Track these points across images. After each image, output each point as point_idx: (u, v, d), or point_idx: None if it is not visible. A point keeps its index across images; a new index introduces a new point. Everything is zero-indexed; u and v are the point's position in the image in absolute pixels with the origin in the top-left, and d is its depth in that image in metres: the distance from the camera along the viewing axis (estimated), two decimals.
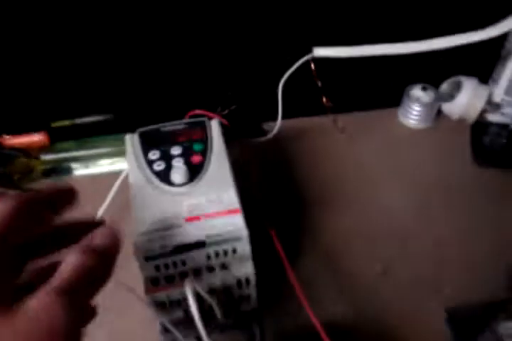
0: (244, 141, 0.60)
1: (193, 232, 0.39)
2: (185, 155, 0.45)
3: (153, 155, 0.45)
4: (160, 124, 0.48)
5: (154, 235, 0.38)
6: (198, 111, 0.58)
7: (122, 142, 0.47)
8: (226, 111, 0.62)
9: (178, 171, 0.43)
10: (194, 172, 0.43)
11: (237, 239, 0.39)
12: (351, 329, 0.47)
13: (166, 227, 0.39)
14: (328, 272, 0.52)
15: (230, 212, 0.40)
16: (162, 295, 0.41)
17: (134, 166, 0.44)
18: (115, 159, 0.63)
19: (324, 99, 0.61)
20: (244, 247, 0.40)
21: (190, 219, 0.39)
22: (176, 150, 0.45)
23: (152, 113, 0.62)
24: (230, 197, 0.41)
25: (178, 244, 0.38)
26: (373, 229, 0.56)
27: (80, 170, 0.63)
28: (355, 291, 0.51)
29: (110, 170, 0.62)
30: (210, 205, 0.41)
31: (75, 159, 0.63)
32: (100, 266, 0.26)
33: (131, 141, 0.47)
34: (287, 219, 0.56)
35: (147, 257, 0.38)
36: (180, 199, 0.41)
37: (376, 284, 0.51)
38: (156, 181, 0.43)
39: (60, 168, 0.63)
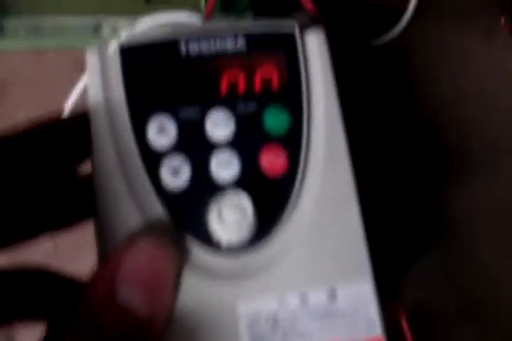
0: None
1: None
2: (245, 146, 0.22)
3: (160, 135, 0.21)
4: (171, 33, 0.23)
5: None
6: None
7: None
8: None
9: (230, 209, 0.20)
10: (270, 205, 0.21)
11: None
12: None
13: None
14: None
15: None
16: None
17: (104, 157, 0.21)
18: None
19: None
20: None
21: None
22: (218, 127, 0.22)
23: None
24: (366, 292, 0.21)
25: None
26: None
27: None
28: None
29: None
30: (319, 319, 0.20)
31: None
32: None
33: (99, 73, 0.22)
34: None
35: None
36: (229, 291, 0.20)
37: None
38: (161, 209, 0.21)
39: None
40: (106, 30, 0.42)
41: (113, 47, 0.23)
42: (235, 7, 0.40)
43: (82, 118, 0.22)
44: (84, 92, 0.40)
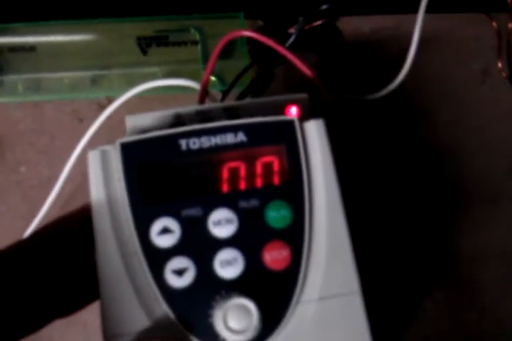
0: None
1: None
2: (248, 243, 0.22)
3: (163, 235, 0.22)
4: (170, 130, 0.23)
5: None
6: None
7: None
8: None
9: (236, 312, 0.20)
10: (274, 301, 0.22)
11: None
12: None
13: None
14: None
15: None
16: None
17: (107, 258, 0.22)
18: None
19: None
20: None
21: None
22: (220, 226, 0.22)
23: None
24: None
25: None
26: None
27: None
28: None
29: None
30: None
31: None
32: None
33: (101, 171, 0.23)
34: None
35: None
36: None
37: None
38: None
39: None
40: (104, 82, 0.43)
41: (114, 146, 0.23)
42: (232, 56, 0.40)
43: (84, 217, 0.23)
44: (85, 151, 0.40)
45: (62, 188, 0.40)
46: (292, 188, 0.23)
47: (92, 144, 0.39)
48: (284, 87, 0.39)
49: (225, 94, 0.33)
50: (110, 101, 0.40)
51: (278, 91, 0.36)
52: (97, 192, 0.22)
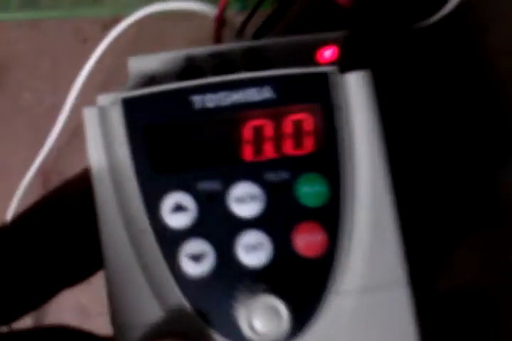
0: None
1: None
2: (276, 225, 0.19)
3: (175, 214, 0.18)
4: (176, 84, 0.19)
5: None
6: None
7: None
8: None
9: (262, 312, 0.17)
10: (307, 293, 0.18)
11: None
12: None
13: None
14: None
15: None
16: None
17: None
18: None
19: None
20: None
21: None
22: (243, 203, 0.18)
23: None
24: None
25: None
26: None
27: None
28: None
29: None
30: None
31: None
32: None
33: (100, 134, 0.19)
34: None
35: None
36: None
37: None
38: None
39: None
40: None
41: (114, 101, 0.19)
42: None
43: (85, 186, 0.19)
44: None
45: (69, 117, 0.36)
46: (329, 158, 0.19)
47: (97, 69, 0.35)
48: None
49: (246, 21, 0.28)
50: (116, 19, 0.36)
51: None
52: (97, 160, 0.19)
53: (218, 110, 0.19)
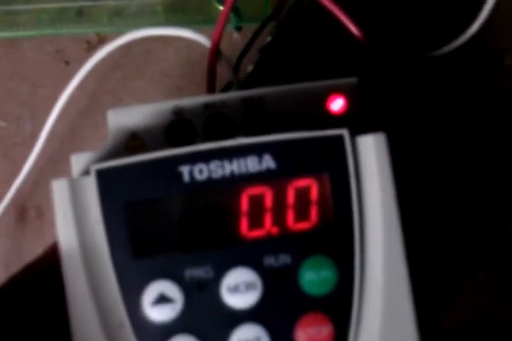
0: None
1: None
2: (275, 318, 0.16)
3: (159, 306, 0.16)
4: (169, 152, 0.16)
5: None
6: None
7: None
8: None
9: None
10: None
11: None
12: None
13: None
14: None
15: None
16: None
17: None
18: None
19: None
20: None
21: None
22: (239, 295, 0.16)
23: None
24: None
25: None
26: None
27: None
28: None
29: None
30: None
31: None
32: None
33: (71, 210, 0.16)
34: None
35: None
36: None
37: None
38: None
39: None
40: (92, 14, 0.34)
41: (87, 169, 0.16)
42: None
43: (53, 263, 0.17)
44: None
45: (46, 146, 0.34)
46: (337, 236, 0.16)
47: (80, 93, 0.33)
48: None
49: (248, 47, 0.25)
50: (101, 38, 0.34)
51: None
52: (67, 239, 0.16)
53: (210, 183, 0.16)
